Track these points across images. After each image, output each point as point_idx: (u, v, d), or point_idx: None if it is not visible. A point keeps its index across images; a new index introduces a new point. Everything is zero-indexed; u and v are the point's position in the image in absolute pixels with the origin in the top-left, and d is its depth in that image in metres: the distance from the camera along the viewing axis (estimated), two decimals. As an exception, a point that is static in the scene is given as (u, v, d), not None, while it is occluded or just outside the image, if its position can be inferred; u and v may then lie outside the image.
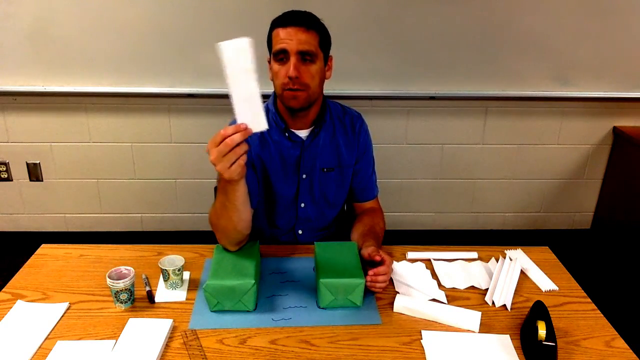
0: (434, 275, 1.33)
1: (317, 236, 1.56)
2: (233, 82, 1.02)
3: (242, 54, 1.00)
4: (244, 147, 1.04)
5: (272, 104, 1.43)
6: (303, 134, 1.43)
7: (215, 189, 1.35)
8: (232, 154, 1.03)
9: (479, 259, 1.41)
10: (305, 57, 1.27)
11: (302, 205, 1.49)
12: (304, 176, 1.45)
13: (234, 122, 1.43)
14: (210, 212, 1.29)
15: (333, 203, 1.53)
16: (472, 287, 1.28)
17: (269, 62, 1.34)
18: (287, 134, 1.41)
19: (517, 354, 1.06)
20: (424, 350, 1.06)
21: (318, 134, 1.43)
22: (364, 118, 1.53)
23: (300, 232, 1.54)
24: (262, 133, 1.40)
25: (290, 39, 1.25)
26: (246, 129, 1.03)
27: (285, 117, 1.41)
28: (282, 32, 1.27)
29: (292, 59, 1.26)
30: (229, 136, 1.01)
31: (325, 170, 1.46)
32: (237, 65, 1.01)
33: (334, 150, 1.46)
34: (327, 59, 1.37)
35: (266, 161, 1.43)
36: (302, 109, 1.35)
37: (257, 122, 1.04)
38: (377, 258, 1.22)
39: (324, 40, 1.33)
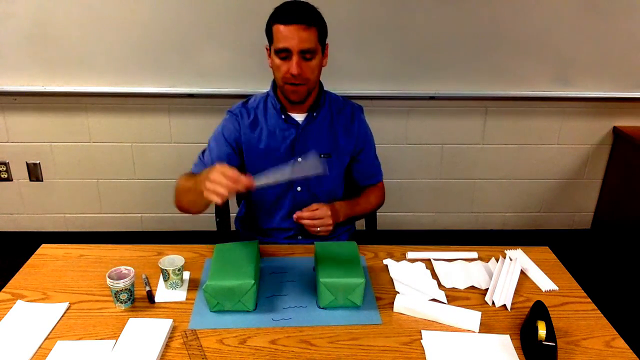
0: (434, 275, 1.33)
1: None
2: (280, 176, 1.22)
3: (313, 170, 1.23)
4: (225, 192, 1.09)
5: (272, 88, 1.49)
6: (299, 117, 1.47)
7: (200, 156, 1.50)
8: (217, 186, 1.09)
9: (479, 259, 1.41)
10: (306, 54, 1.32)
11: (299, 189, 1.51)
12: (300, 159, 1.47)
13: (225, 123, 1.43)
14: (181, 180, 1.45)
15: (329, 191, 1.55)
16: (472, 287, 1.28)
17: (267, 49, 1.39)
18: (283, 117, 1.46)
19: (517, 354, 1.06)
20: (424, 350, 1.06)
21: (315, 118, 1.47)
22: (363, 111, 1.58)
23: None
24: (255, 118, 1.48)
25: (292, 37, 1.29)
26: (247, 185, 1.11)
27: (283, 101, 1.46)
28: (283, 30, 1.30)
29: (295, 58, 1.31)
30: (227, 176, 1.09)
31: (322, 156, 1.49)
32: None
33: (331, 137, 1.50)
34: (324, 48, 1.40)
35: (256, 140, 1.47)
36: (300, 101, 1.41)
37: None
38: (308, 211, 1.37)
39: (322, 33, 1.37)
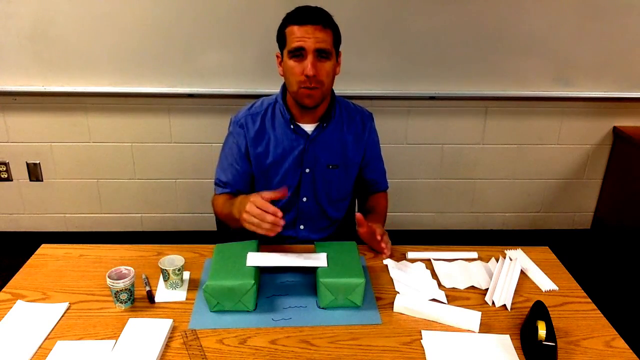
0: (434, 275, 1.33)
1: (318, 233, 1.57)
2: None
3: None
4: (260, 225, 1.18)
5: (281, 96, 1.45)
6: (309, 128, 1.45)
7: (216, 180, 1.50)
8: (252, 217, 1.18)
9: (479, 259, 1.41)
10: (321, 55, 1.30)
11: (305, 199, 1.50)
12: (307, 170, 1.47)
13: (237, 120, 1.42)
14: (219, 203, 1.46)
15: (335, 200, 1.55)
16: (472, 287, 1.28)
17: (278, 57, 1.37)
18: (292, 127, 1.43)
19: (517, 354, 1.06)
20: (424, 350, 1.06)
21: (325, 129, 1.45)
22: (374, 118, 1.57)
23: (301, 227, 1.54)
24: (261, 126, 1.45)
25: (308, 37, 1.27)
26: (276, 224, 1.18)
27: (293, 111, 1.44)
28: (298, 30, 1.28)
29: (310, 57, 1.29)
30: (267, 212, 1.17)
31: (330, 167, 1.48)
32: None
33: (340, 147, 1.48)
34: (337, 55, 1.39)
35: (263, 155, 1.45)
36: (315, 106, 1.38)
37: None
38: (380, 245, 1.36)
39: (337, 38, 1.35)
